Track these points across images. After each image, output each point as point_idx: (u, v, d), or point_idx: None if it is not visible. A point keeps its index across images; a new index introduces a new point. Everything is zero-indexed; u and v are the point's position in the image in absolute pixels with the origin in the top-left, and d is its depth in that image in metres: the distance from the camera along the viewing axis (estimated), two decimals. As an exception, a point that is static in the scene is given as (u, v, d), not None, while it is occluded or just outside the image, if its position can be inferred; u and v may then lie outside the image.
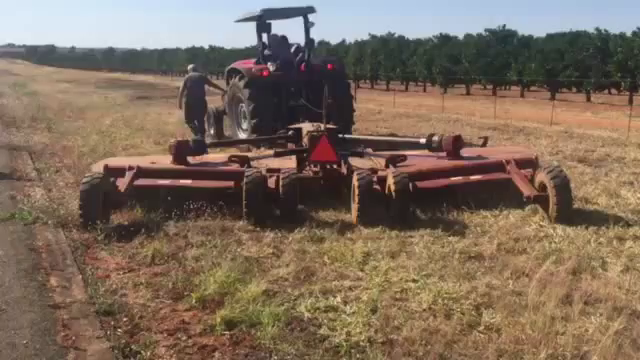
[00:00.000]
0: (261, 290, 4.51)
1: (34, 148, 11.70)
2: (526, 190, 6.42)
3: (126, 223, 6.35)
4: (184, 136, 9.95)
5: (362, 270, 5.01)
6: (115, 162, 7.57)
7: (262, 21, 11.61)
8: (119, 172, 6.89)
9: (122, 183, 6.67)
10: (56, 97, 26.23)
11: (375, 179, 6.73)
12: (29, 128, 15.01)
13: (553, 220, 6.17)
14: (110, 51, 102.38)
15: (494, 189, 7.09)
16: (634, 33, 23.80)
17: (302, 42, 11.82)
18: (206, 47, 63.03)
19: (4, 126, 15.50)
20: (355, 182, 6.41)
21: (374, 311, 4.19)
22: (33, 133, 14.05)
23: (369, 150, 8.49)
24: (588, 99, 25.91)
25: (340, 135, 8.57)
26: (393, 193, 6.31)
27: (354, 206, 6.44)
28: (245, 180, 6.30)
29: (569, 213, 6.25)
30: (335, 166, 7.38)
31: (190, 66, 13.59)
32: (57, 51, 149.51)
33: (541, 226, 6.14)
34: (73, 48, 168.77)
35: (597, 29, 25.93)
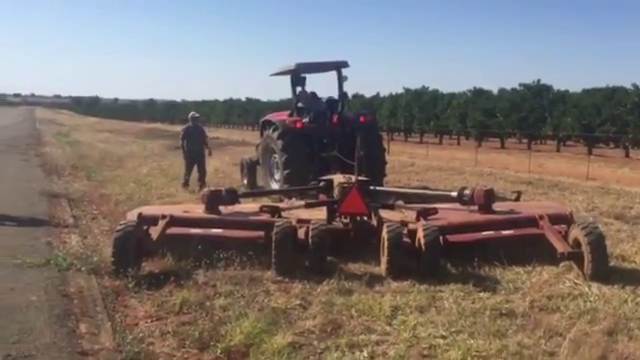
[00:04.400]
0: (287, 342, 4.48)
1: (73, 195, 12.00)
2: (560, 246, 6.29)
3: (157, 271, 6.42)
4: (217, 185, 10.09)
5: (390, 324, 4.94)
6: (149, 210, 7.71)
7: (296, 75, 11.91)
8: (152, 220, 7.02)
9: (155, 231, 6.78)
10: (97, 146, 27.04)
11: (405, 232, 6.70)
12: (69, 176, 15.45)
13: (588, 278, 6.00)
14: (151, 102, 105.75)
15: (527, 245, 6.97)
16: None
17: (336, 95, 12.04)
18: (243, 99, 64.62)
19: (46, 174, 15.97)
20: (385, 234, 6.38)
21: (401, 367, 4.11)
22: (73, 181, 14.45)
23: (400, 202, 8.47)
24: (627, 155, 25.48)
25: (371, 187, 8.60)
26: (423, 246, 6.28)
27: (383, 259, 6.39)
28: (275, 230, 6.36)
29: (605, 271, 6.08)
30: (365, 218, 7.37)
31: (195, 115, 13.97)
32: (101, 102, 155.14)
33: (576, 284, 5.96)
34: (116, 99, 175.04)
35: (634, 85, 25.70)
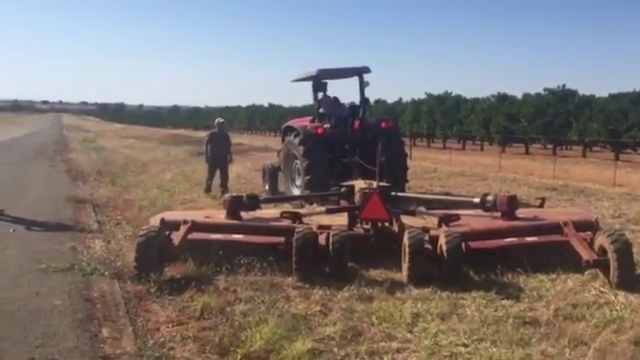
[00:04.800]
0: (307, 348, 4.47)
1: (98, 201, 12.14)
2: (585, 254, 6.18)
3: (178, 276, 6.44)
4: (239, 191, 10.14)
5: (411, 332, 4.90)
6: (171, 216, 7.78)
7: (318, 81, 11.93)
8: (174, 226, 7.07)
9: (177, 237, 6.83)
10: (122, 152, 27.38)
11: (427, 238, 6.66)
12: (94, 182, 15.64)
13: (614, 286, 5.88)
14: (175, 108, 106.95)
15: (551, 252, 6.87)
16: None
17: (357, 101, 12.03)
18: (265, 104, 64.93)
19: (72, 179, 16.20)
20: (406, 241, 6.34)
21: (421, 375, 4.06)
22: (98, 186, 14.61)
23: (422, 208, 8.41)
24: (655, 160, 25.01)
25: (393, 193, 8.55)
26: (445, 253, 6.23)
27: (405, 265, 6.36)
28: (295, 236, 6.36)
29: (631, 279, 5.94)
30: (386, 224, 7.33)
31: (220, 120, 14.08)
32: (126, 108, 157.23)
33: (601, 292, 5.85)
34: (141, 106, 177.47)
35: (662, 89, 25.25)
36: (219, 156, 13.35)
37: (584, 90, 36.03)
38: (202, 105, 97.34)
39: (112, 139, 41.75)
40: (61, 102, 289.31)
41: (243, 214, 7.74)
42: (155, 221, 7.40)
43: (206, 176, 13.46)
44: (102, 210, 11.14)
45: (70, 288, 6.15)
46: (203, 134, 15.54)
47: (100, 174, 17.35)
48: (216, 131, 13.69)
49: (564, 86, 31.12)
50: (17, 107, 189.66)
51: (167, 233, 6.86)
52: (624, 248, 5.97)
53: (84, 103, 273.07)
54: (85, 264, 6.90)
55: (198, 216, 7.65)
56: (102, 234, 8.94)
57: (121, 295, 5.94)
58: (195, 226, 7.07)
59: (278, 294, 5.86)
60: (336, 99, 12.29)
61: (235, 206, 7.68)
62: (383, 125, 11.63)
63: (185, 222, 7.05)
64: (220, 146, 13.40)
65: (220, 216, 7.73)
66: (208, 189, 13.17)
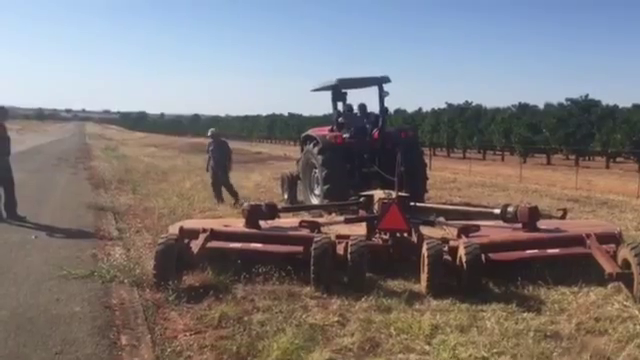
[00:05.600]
0: (324, 359, 4.45)
1: (118, 209, 12.24)
2: (608, 267, 6.07)
3: (197, 284, 6.45)
4: (258, 200, 10.15)
5: (429, 344, 4.85)
6: (190, 224, 7.81)
7: (337, 90, 11.94)
8: (193, 234, 7.10)
9: (195, 245, 6.86)
10: (143, 160, 27.62)
11: (446, 249, 6.60)
12: (116, 190, 15.77)
13: (638, 300, 5.75)
14: (196, 117, 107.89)
15: (573, 264, 6.76)
16: None
17: (376, 111, 12.01)
18: (285, 114, 65.23)
19: (93, 187, 16.37)
20: (425, 251, 6.30)
21: (440, 388, 4.01)
22: (119, 194, 14.73)
23: (441, 219, 8.35)
24: (680, 171, 24.53)
25: (412, 203, 8.50)
26: (464, 264, 6.17)
27: (423, 276, 6.30)
28: (314, 246, 6.34)
29: (656, 293, 5.82)
30: (405, 234, 7.29)
31: (212, 130, 14.01)
32: (148, 117, 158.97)
33: (625, 306, 5.72)
34: (162, 114, 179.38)
35: (688, 99, 24.82)
36: (215, 167, 13.28)
37: (607, 100, 35.57)
38: (222, 114, 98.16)
39: (133, 147, 42.21)
40: (84, 110, 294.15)
41: (262, 223, 7.75)
42: (174, 229, 7.44)
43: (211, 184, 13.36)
44: (122, 218, 11.23)
45: (90, 295, 6.20)
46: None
47: (121, 182, 17.49)
48: (212, 142, 13.56)
49: (587, 96, 30.82)
50: (42, 115, 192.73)
51: (186, 241, 6.89)
52: (648, 262, 5.84)
53: (107, 111, 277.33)
54: (105, 271, 6.95)
55: (217, 225, 7.68)
56: (122, 242, 9.01)
57: (140, 303, 5.97)
58: (214, 235, 7.09)
59: (296, 304, 5.84)
60: (363, 106, 12.24)
61: (254, 215, 7.70)
62: (402, 135, 11.62)
63: (204, 230, 7.08)
64: (215, 157, 13.31)
65: (239, 225, 7.75)
66: (219, 198, 13.13)
